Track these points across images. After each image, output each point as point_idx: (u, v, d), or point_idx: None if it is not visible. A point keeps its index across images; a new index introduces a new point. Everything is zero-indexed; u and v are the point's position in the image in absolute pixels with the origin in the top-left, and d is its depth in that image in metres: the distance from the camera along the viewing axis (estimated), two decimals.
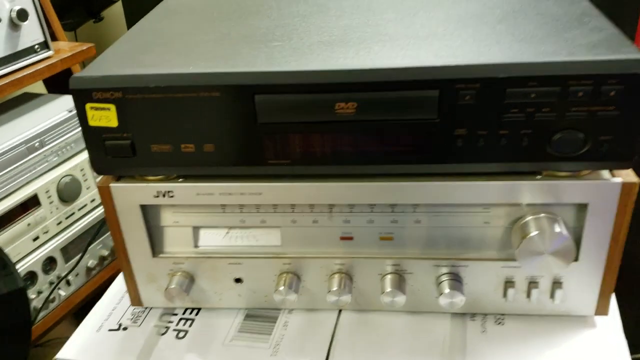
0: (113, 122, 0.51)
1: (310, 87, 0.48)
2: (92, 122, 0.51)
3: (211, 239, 0.59)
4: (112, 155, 0.52)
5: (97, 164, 0.53)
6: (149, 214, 0.57)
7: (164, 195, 0.55)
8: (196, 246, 0.59)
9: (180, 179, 0.55)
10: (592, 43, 0.48)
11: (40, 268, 1.21)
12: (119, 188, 0.55)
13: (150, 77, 0.48)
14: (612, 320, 0.57)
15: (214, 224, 0.58)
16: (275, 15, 0.61)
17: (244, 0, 0.67)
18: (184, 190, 0.55)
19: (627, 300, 0.63)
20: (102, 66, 0.51)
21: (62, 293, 1.27)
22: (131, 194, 0.55)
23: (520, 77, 0.46)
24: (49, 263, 1.23)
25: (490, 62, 0.46)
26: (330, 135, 0.50)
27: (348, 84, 0.47)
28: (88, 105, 0.50)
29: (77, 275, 1.30)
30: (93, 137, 0.52)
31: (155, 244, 0.59)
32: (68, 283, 1.28)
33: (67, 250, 1.27)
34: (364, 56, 0.50)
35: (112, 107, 0.50)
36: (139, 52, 0.54)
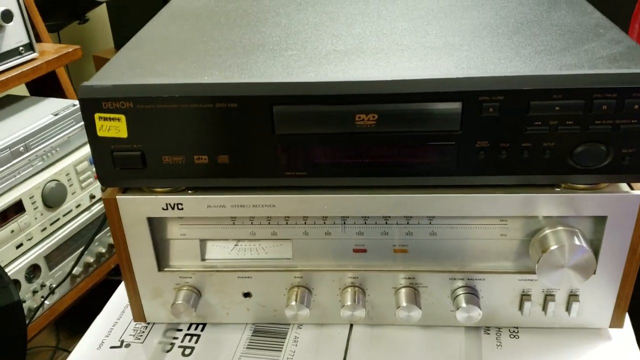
0: (123, 133, 0.49)
1: (330, 99, 0.46)
2: (101, 133, 0.49)
3: (219, 251, 0.57)
4: (120, 166, 0.50)
5: (104, 176, 0.51)
6: (156, 226, 0.55)
7: (173, 208, 0.53)
8: (203, 259, 0.57)
9: (190, 191, 0.53)
10: (613, 55, 0.48)
11: (24, 276, 1.17)
12: (126, 200, 0.53)
13: (164, 87, 0.47)
14: (627, 333, 0.57)
15: (222, 236, 0.56)
16: (285, 23, 0.59)
17: (249, 7, 0.65)
18: (194, 202, 0.53)
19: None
20: (111, 74, 0.49)
21: (46, 302, 1.24)
22: (138, 207, 0.53)
23: (545, 89, 0.45)
24: (33, 271, 1.20)
25: (515, 74, 0.46)
26: (350, 147, 0.49)
27: (369, 96, 0.46)
28: (97, 115, 0.48)
29: (61, 283, 1.26)
30: (101, 148, 0.49)
31: (161, 258, 0.57)
32: (52, 291, 1.24)
33: (51, 258, 1.23)
34: (383, 67, 0.49)
35: (123, 117, 0.48)
36: (149, 60, 0.52)
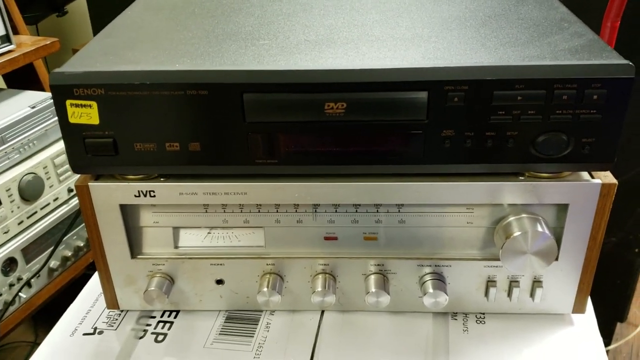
0: (94, 120, 0.49)
1: (300, 87, 0.47)
2: (73, 120, 0.49)
3: (192, 239, 0.58)
4: (92, 153, 0.51)
5: (76, 163, 0.51)
6: (128, 214, 0.56)
7: (145, 195, 0.54)
8: (176, 247, 0.58)
9: (162, 178, 0.54)
10: (575, 48, 0.49)
11: (0, 269, 1.17)
12: (98, 187, 0.53)
13: (135, 74, 0.47)
14: (588, 318, 0.59)
15: (195, 224, 0.57)
16: (259, 13, 0.60)
17: None
18: (166, 189, 0.53)
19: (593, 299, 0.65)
20: (83, 61, 0.50)
21: (23, 295, 1.23)
22: (111, 194, 0.54)
23: (508, 79, 0.46)
24: (9, 264, 1.19)
25: (479, 64, 0.47)
26: (319, 135, 0.50)
27: (338, 84, 0.47)
28: (68, 102, 0.48)
29: (38, 276, 1.26)
30: (72, 135, 0.50)
31: (134, 245, 0.58)
32: (29, 285, 1.24)
33: (28, 251, 1.22)
34: (352, 56, 0.50)
35: (94, 104, 0.48)
36: (122, 48, 0.52)
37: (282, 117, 0.49)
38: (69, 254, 1.32)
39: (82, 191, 0.54)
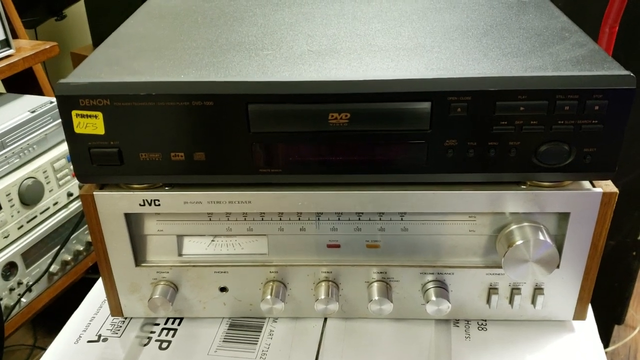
0: (100, 130, 0.49)
1: (304, 98, 0.48)
2: (78, 130, 0.49)
3: (196, 247, 0.58)
4: (97, 163, 0.51)
5: (81, 172, 0.52)
6: (133, 222, 0.56)
7: (150, 204, 0.54)
8: (180, 255, 0.58)
9: (167, 187, 0.54)
10: (576, 58, 0.50)
11: (0, 274, 1.17)
12: (103, 196, 0.54)
13: (141, 85, 0.47)
14: (589, 325, 0.59)
15: (199, 232, 0.57)
16: (262, 23, 0.60)
17: (226, 6, 0.66)
18: (171, 198, 0.54)
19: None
20: (88, 72, 0.50)
21: (23, 300, 1.23)
22: (116, 203, 0.54)
23: (511, 90, 0.47)
24: (9, 268, 1.19)
25: (482, 75, 0.48)
26: (323, 145, 0.50)
27: (342, 95, 0.48)
28: (74, 112, 0.49)
29: (38, 280, 1.26)
30: (78, 145, 0.50)
31: (138, 253, 0.58)
32: (29, 289, 1.24)
33: (28, 255, 1.23)
34: (356, 67, 0.50)
35: (100, 114, 0.49)
36: (127, 58, 0.53)
37: (287, 128, 0.49)
38: (69, 258, 1.32)
39: (87, 200, 0.54)
